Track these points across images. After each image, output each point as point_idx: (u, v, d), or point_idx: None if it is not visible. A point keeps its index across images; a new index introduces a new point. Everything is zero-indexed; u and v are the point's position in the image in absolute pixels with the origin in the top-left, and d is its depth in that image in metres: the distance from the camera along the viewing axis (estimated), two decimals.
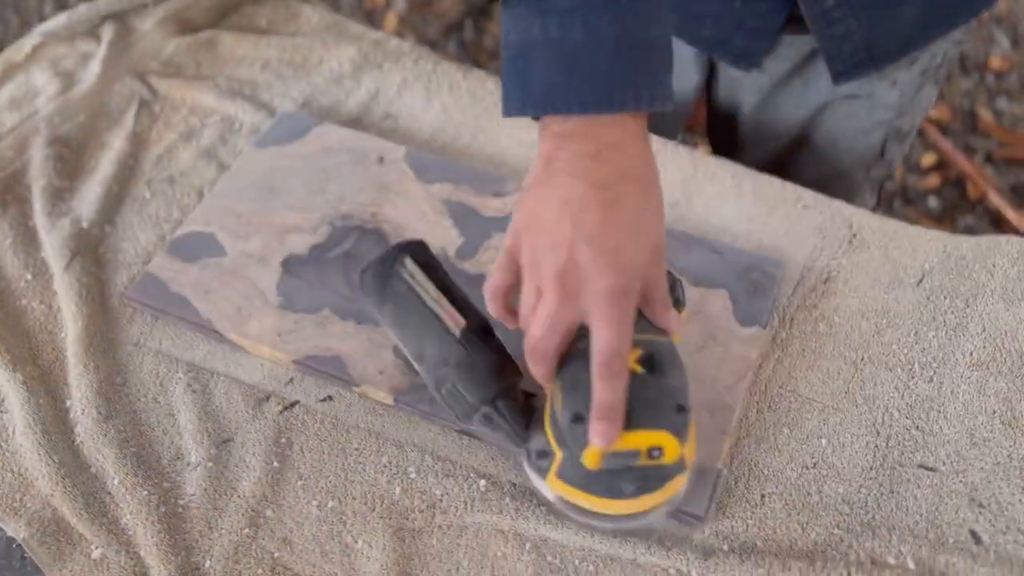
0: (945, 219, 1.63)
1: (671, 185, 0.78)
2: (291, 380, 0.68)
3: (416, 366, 0.61)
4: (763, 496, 0.62)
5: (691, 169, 0.79)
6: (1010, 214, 1.61)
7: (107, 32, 0.89)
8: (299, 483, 0.63)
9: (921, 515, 0.61)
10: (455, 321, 0.58)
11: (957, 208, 1.65)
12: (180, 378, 0.68)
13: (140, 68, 0.88)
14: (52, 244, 0.75)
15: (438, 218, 0.75)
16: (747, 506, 0.62)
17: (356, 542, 0.61)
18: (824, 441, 0.64)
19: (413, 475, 0.63)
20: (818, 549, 0.60)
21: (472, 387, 0.57)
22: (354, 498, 0.62)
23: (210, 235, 0.75)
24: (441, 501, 0.62)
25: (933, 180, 1.68)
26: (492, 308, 0.58)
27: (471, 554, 0.60)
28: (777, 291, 0.70)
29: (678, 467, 0.55)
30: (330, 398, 0.67)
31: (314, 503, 0.62)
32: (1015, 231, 1.58)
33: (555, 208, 0.53)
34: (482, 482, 0.63)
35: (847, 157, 0.90)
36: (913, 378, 0.67)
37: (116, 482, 0.63)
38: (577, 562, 0.60)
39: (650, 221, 0.54)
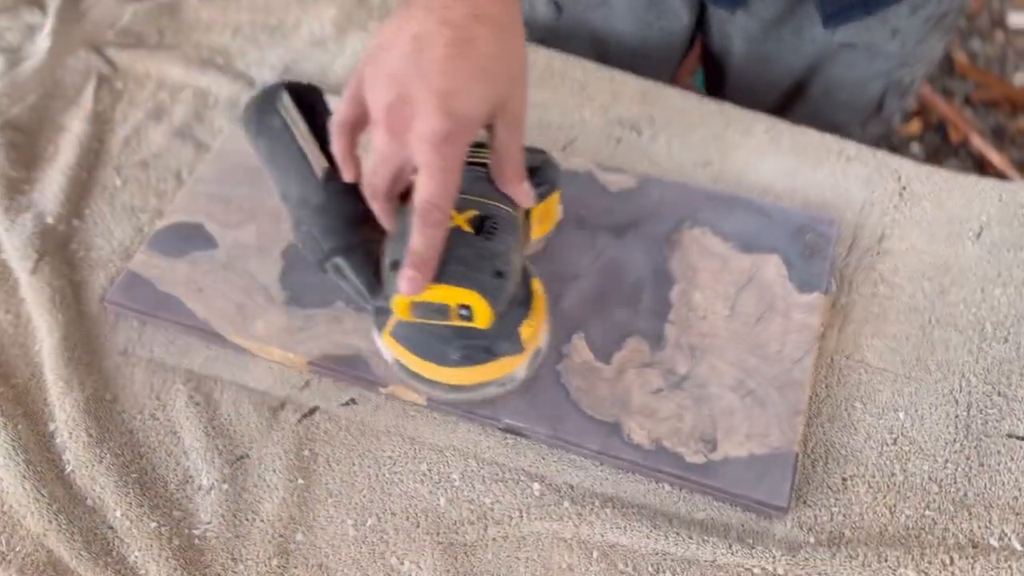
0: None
1: (702, 143, 0.72)
2: (307, 384, 0.60)
3: (282, 205, 0.58)
4: (844, 480, 0.57)
5: (722, 124, 0.73)
6: (994, 157, 1.58)
7: None
8: (330, 500, 0.56)
9: (1020, 490, 0.56)
10: (319, 162, 0.56)
11: (940, 153, 1.62)
12: (179, 389, 0.60)
13: (95, 39, 0.78)
14: (14, 244, 0.65)
15: None
16: (829, 492, 0.56)
17: (402, 563, 0.54)
18: (901, 414, 0.59)
19: (458, 482, 0.57)
20: (911, 534, 0.55)
21: (326, 233, 0.55)
22: (394, 513, 0.55)
23: (197, 225, 0.66)
24: (492, 510, 0.56)
25: (914, 126, 1.65)
26: (335, 144, 0.54)
27: (533, 568, 0.54)
28: (832, 252, 0.64)
29: (510, 346, 0.56)
30: (353, 401, 0.60)
31: (349, 522, 0.55)
32: (1000, 174, 1.55)
33: (404, 42, 0.49)
34: (536, 485, 0.56)
35: (843, 111, 0.84)
36: (986, 339, 0.62)
37: (118, 514, 0.55)
38: (651, 569, 0.54)
39: (501, 70, 0.50)
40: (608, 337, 0.60)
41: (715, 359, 0.59)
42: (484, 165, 0.54)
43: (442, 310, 0.51)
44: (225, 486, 0.56)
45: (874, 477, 0.57)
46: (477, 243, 0.51)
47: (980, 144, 1.60)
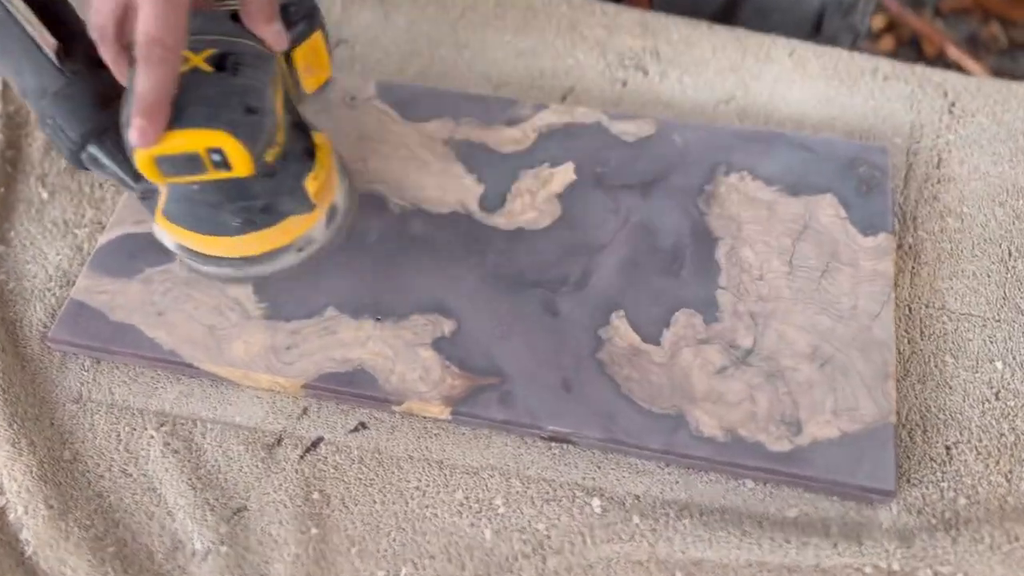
0: None
1: (721, 75, 0.63)
2: (304, 411, 0.51)
3: (25, 101, 0.52)
4: (948, 448, 0.49)
5: (738, 53, 0.64)
6: (971, 65, 1.51)
7: None
8: (353, 551, 0.46)
9: None
10: (47, 42, 0.48)
11: None
12: (152, 436, 0.50)
13: None
14: None
15: (445, 165, 0.58)
16: (933, 465, 0.48)
17: None
18: (999, 364, 0.51)
19: (502, 509, 0.47)
20: None
21: (72, 120, 0.48)
22: (433, 556, 0.46)
23: (146, 236, 0.55)
24: (549, 537, 0.47)
25: (887, 43, 1.57)
26: None
27: None
28: (890, 185, 0.56)
29: (296, 203, 0.51)
30: (363, 426, 0.50)
31: (380, 574, 0.46)
32: None
33: None
34: (595, 501, 0.47)
35: (778, 31, 0.75)
36: None
37: None
38: None
39: None
40: (653, 313, 0.51)
41: (781, 325, 0.51)
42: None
43: (193, 160, 0.45)
44: (224, 548, 0.46)
45: (981, 441, 0.49)
46: (220, 81, 0.46)
47: (956, 55, 1.53)
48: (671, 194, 0.56)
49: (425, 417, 0.50)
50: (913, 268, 0.54)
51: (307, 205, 0.51)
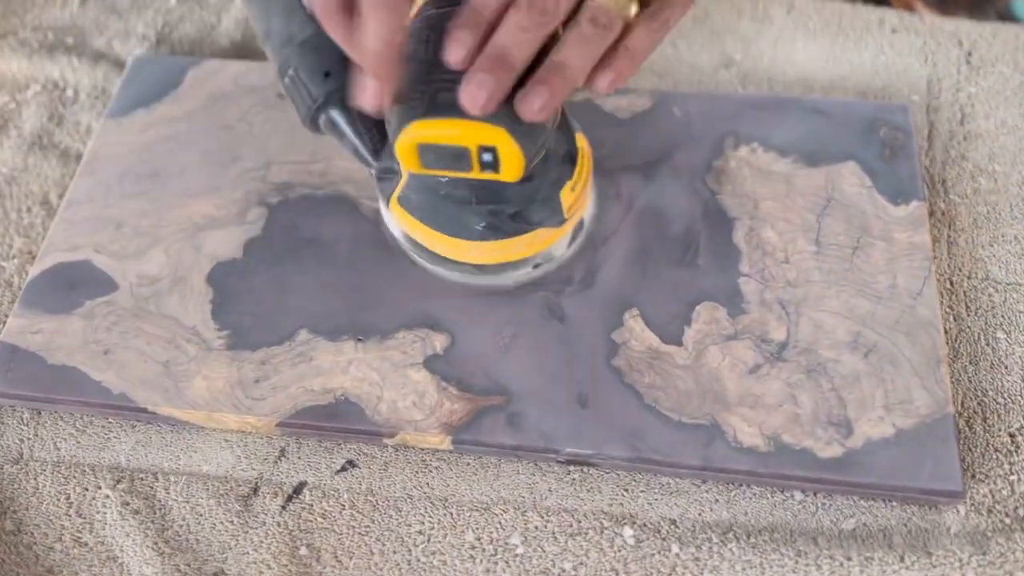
0: None
1: (716, 39, 0.57)
2: (282, 453, 0.44)
3: (265, 49, 0.45)
4: (1012, 436, 0.44)
5: (732, 12, 0.58)
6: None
7: None
8: None
9: None
10: None
11: None
12: (107, 496, 0.43)
13: None
14: None
15: None
16: (998, 456, 0.43)
17: None
18: None
19: (521, 549, 0.41)
20: None
21: (315, 77, 0.43)
22: None
23: (84, 263, 0.48)
24: None
25: None
26: None
27: None
28: (916, 147, 0.51)
29: (548, 214, 0.44)
30: (352, 464, 0.44)
31: None
32: None
33: None
34: (627, 531, 0.41)
35: None
36: None
37: None
38: None
39: None
40: (670, 310, 0.46)
41: (816, 312, 0.45)
42: None
43: (460, 156, 0.38)
44: None
45: None
46: None
47: (921, 7, 1.49)
48: (677, 173, 0.50)
49: (423, 449, 0.44)
50: (949, 236, 0.49)
51: (559, 218, 0.44)
